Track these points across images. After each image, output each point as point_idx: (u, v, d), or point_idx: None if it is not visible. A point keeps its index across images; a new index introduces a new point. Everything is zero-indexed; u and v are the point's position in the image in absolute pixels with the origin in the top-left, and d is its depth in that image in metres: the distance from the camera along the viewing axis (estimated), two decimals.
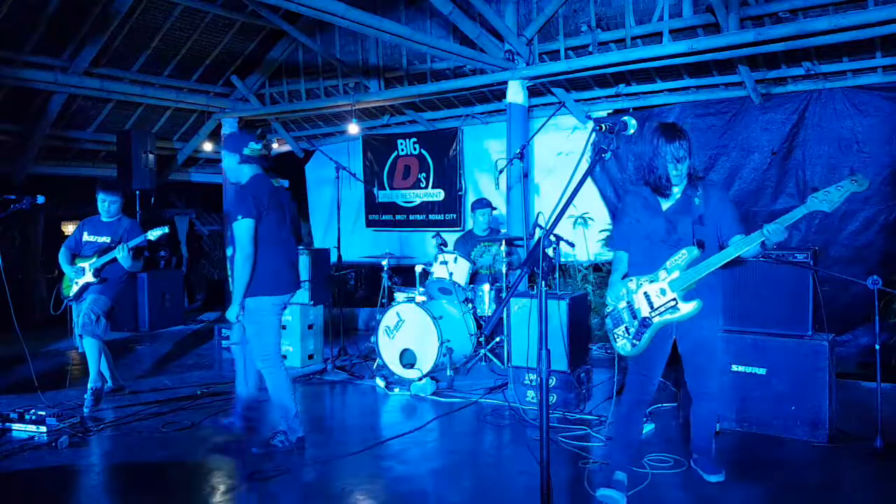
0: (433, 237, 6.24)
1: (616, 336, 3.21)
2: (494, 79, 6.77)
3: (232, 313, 3.85)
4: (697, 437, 3.46)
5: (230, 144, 4.01)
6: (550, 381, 4.75)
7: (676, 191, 3.15)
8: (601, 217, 7.48)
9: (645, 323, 3.10)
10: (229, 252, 4.02)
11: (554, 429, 4.16)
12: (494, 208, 6.84)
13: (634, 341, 3.13)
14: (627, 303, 3.17)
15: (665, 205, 3.17)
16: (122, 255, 4.78)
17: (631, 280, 3.19)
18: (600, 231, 7.47)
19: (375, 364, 5.87)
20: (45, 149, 8.50)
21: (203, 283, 10.95)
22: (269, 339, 3.92)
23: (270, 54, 8.71)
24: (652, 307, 3.09)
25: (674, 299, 3.04)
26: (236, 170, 3.98)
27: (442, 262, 5.91)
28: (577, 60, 6.44)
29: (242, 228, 3.76)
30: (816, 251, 4.09)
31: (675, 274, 3.04)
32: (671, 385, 4.85)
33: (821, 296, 3.97)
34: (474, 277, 6.24)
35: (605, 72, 6.59)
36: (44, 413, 4.32)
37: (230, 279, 4.10)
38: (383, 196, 9.20)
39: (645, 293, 3.12)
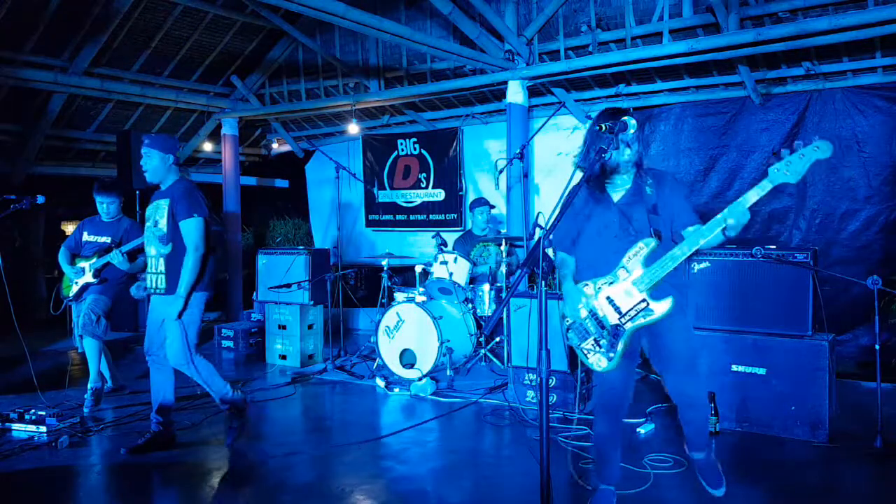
0: (433, 237, 6.24)
1: (585, 352, 2.86)
2: (494, 79, 6.77)
3: (176, 309, 3.87)
4: (693, 442, 3.18)
5: (165, 145, 4.00)
6: (550, 381, 4.77)
7: (626, 179, 2.87)
8: None
9: (616, 332, 2.78)
10: (165, 250, 3.94)
11: (554, 429, 4.16)
12: (493, 206, 6.84)
13: (610, 354, 2.79)
14: (589, 311, 2.83)
15: (616, 196, 2.87)
16: (117, 259, 4.79)
17: (587, 284, 2.85)
18: None
19: (375, 364, 5.88)
20: (45, 149, 8.50)
21: None
22: (195, 332, 4.00)
23: (270, 54, 8.71)
24: (620, 312, 2.77)
25: (644, 300, 2.73)
26: (164, 171, 4.02)
27: (442, 262, 5.91)
28: (577, 60, 6.44)
29: (197, 226, 3.90)
30: (816, 251, 4.09)
31: (638, 271, 2.74)
32: None
33: (821, 296, 3.97)
34: (474, 277, 6.25)
35: (605, 72, 6.59)
36: (44, 413, 4.32)
37: (154, 277, 3.99)
38: (383, 196, 9.20)
39: (608, 297, 2.79)
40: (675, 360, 2.90)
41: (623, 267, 2.77)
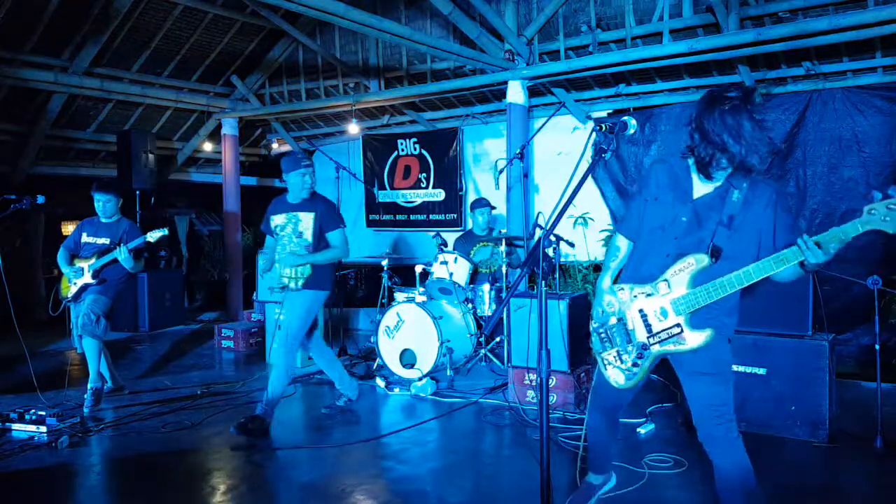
0: (433, 237, 6.24)
1: (605, 362, 2.58)
2: (494, 79, 6.77)
3: (298, 261, 4.31)
4: None
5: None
6: (550, 381, 4.76)
7: (718, 177, 2.39)
8: (601, 217, 7.49)
9: (641, 353, 2.48)
10: (303, 255, 4.36)
11: (554, 429, 4.16)
12: (493, 207, 6.85)
13: (629, 372, 2.51)
14: (619, 320, 2.53)
15: (697, 191, 2.42)
16: (122, 256, 4.78)
17: (623, 288, 2.52)
18: (600, 231, 7.48)
19: (375, 364, 5.87)
20: (45, 149, 8.51)
21: (203, 282, 10.97)
22: (307, 324, 4.42)
23: (270, 54, 8.72)
24: (650, 331, 2.45)
25: (678, 325, 2.39)
26: None
27: (442, 262, 5.91)
28: (577, 60, 6.44)
29: (344, 234, 4.44)
30: None
31: (681, 290, 2.37)
32: (671, 385, 4.84)
33: (821, 296, 3.96)
34: (474, 277, 6.25)
35: (605, 72, 6.59)
36: (44, 413, 4.32)
37: (296, 280, 4.33)
38: (383, 196, 9.20)
39: (640, 310, 2.46)
40: (697, 411, 2.50)
41: (666, 280, 2.41)
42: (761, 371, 4.05)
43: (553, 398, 4.65)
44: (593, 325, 2.63)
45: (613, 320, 2.55)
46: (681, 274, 2.37)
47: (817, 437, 3.89)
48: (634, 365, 2.49)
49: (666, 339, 2.42)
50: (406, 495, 3.37)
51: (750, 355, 4.09)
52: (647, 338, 2.46)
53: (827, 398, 3.87)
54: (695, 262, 2.36)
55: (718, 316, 2.40)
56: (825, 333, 4.03)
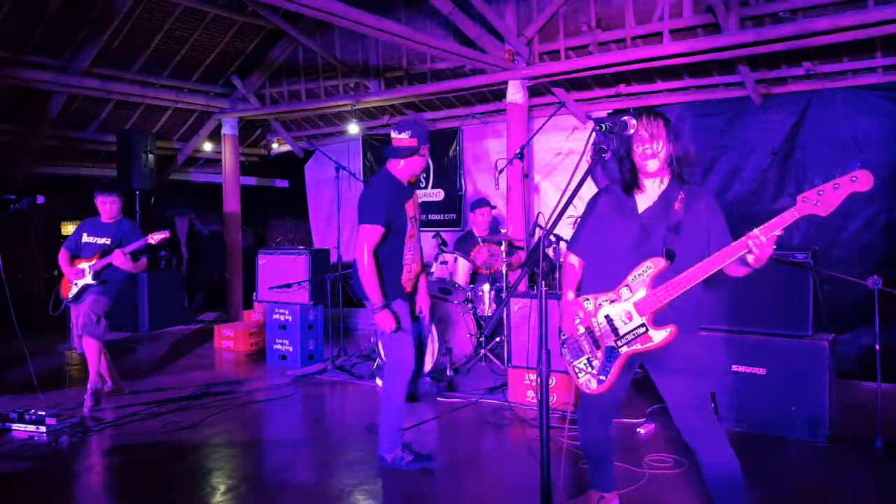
0: (433, 237, 6.24)
1: (577, 370, 2.68)
2: (494, 79, 6.77)
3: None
4: None
5: None
6: (550, 381, 4.75)
7: (652, 188, 2.63)
8: None
9: (610, 355, 2.57)
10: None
11: (554, 429, 4.16)
12: (493, 207, 6.84)
13: (601, 377, 2.60)
14: (586, 328, 2.64)
15: (641, 207, 2.63)
16: (117, 261, 4.76)
17: (587, 299, 2.64)
18: None
19: (375, 364, 5.87)
20: (45, 149, 8.50)
21: (203, 283, 10.96)
22: None
23: (270, 54, 8.71)
24: (617, 334, 2.55)
25: (643, 325, 2.50)
26: None
27: (442, 263, 5.91)
28: (577, 60, 6.43)
29: None
30: (817, 251, 4.10)
31: (641, 293, 2.50)
32: None
33: (821, 296, 3.96)
34: (474, 277, 6.24)
35: (605, 72, 6.59)
36: (44, 413, 4.32)
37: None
38: None
39: (606, 316, 2.58)
40: (674, 405, 2.61)
41: (627, 285, 2.54)
42: (761, 371, 4.05)
43: (553, 398, 4.65)
44: (563, 336, 2.74)
45: (581, 329, 2.66)
46: (640, 278, 2.52)
47: (817, 438, 3.89)
48: (604, 369, 2.59)
49: (632, 339, 2.53)
50: (406, 495, 3.37)
51: (750, 355, 4.10)
52: (615, 341, 2.57)
53: (827, 398, 3.87)
54: (652, 265, 2.51)
55: (681, 312, 2.51)
56: (825, 333, 4.03)
